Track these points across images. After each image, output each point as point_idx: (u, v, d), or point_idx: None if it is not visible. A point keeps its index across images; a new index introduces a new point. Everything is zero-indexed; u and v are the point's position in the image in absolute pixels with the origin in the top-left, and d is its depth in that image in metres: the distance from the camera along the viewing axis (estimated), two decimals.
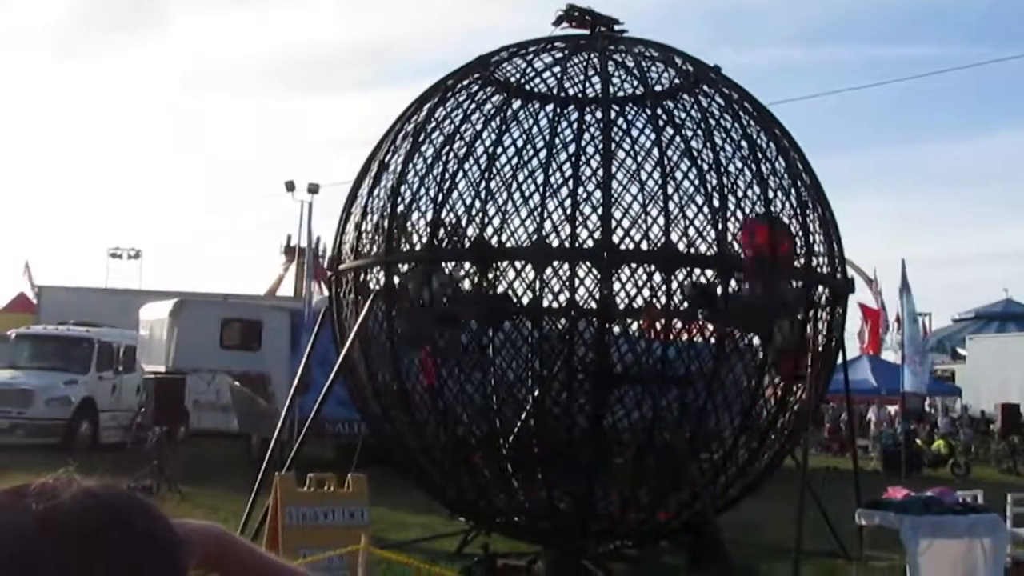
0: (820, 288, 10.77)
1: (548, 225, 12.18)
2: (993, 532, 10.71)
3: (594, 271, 11.52)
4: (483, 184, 11.62)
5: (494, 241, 11.73)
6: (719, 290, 10.49)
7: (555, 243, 12.02)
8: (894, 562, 11.07)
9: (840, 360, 11.74)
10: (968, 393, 33.25)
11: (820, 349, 10.69)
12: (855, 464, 13.34)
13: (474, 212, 11.62)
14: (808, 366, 10.40)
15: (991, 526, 10.80)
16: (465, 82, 11.27)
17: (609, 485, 10.92)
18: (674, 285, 10.80)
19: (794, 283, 10.70)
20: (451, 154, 11.27)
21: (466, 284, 12.29)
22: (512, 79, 11.50)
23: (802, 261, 10.44)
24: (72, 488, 0.96)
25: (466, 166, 11.46)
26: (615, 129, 11.53)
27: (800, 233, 10.52)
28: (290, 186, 40.45)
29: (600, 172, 11.09)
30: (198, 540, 1.06)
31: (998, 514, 11.34)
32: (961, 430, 30.35)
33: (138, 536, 0.95)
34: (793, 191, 10.64)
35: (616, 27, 11.41)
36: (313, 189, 39.17)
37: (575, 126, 11.98)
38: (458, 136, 11.28)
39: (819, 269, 10.65)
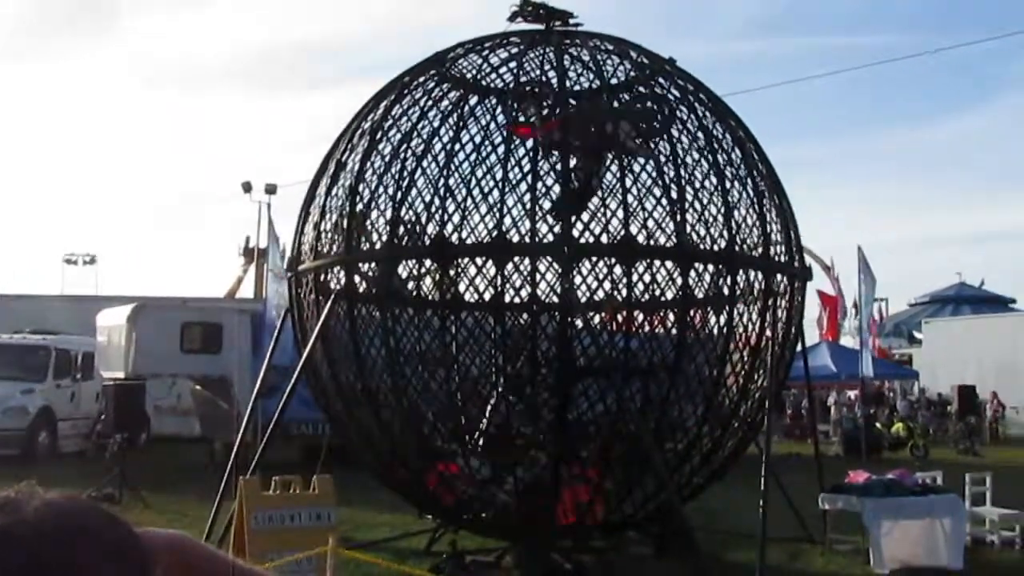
0: (779, 276, 10.88)
1: (508, 221, 12.20)
2: (953, 512, 10.92)
3: (555, 266, 11.56)
4: (442, 181, 11.60)
5: (454, 238, 11.72)
6: (679, 280, 10.58)
7: (515, 238, 12.04)
8: (857, 544, 11.24)
9: (800, 347, 11.87)
10: (925, 376, 33.76)
11: (780, 336, 10.80)
12: (816, 449, 13.51)
13: (433, 209, 11.60)
14: (769, 353, 10.51)
15: (951, 506, 11.01)
16: (421, 79, 11.24)
17: (575, 477, 10.95)
18: (635, 277, 10.86)
19: (753, 273, 10.81)
20: (409, 152, 11.24)
21: (427, 281, 12.30)
22: (468, 75, 11.49)
23: (760, 250, 10.54)
24: (34, 501, 0.95)
25: (424, 163, 11.44)
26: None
27: (757, 223, 10.62)
28: (247, 187, 40.22)
29: (559, 166, 11.12)
30: (164, 549, 1.06)
31: (957, 494, 11.55)
32: (919, 413, 30.81)
33: (104, 547, 0.94)
34: (749, 181, 10.73)
35: (571, 21, 11.45)
36: (271, 190, 39.00)
37: (532, 121, 11.98)
38: (415, 133, 11.25)
39: (777, 258, 10.76)
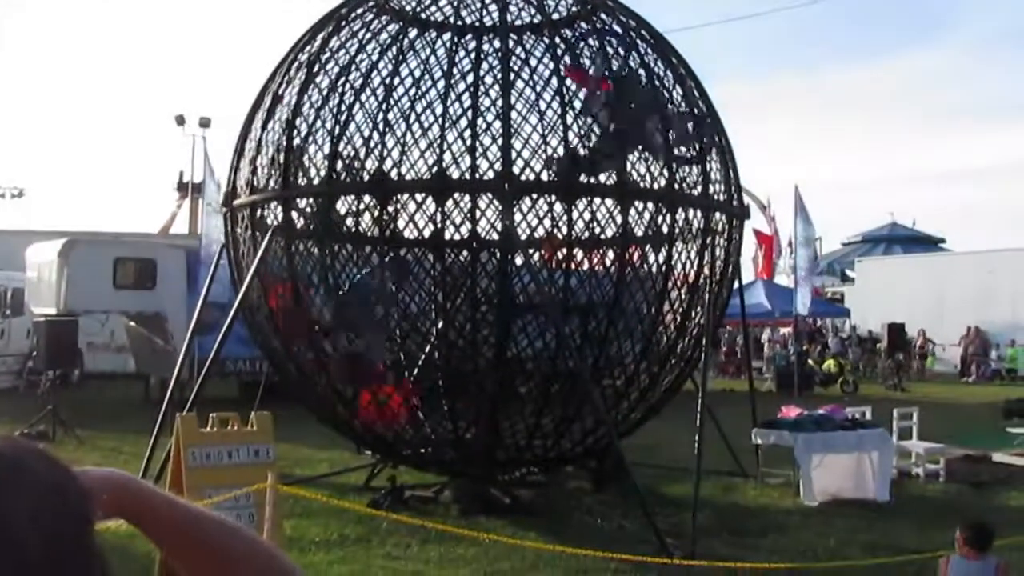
0: (717, 215, 10.96)
1: (448, 157, 12.09)
2: (880, 446, 11.24)
3: (495, 202, 11.52)
4: (381, 116, 11.45)
5: (394, 174, 11.60)
6: (619, 218, 10.61)
7: (456, 175, 11.94)
8: (788, 478, 11.53)
9: (736, 285, 12.01)
10: (856, 314, 34.46)
11: (718, 274, 10.91)
12: (751, 385, 13.76)
13: (372, 144, 11.46)
14: (707, 291, 10.63)
15: (879, 440, 11.33)
16: (360, 10, 11.01)
17: (514, 414, 11.05)
18: (575, 215, 10.87)
19: (692, 211, 10.87)
20: (347, 85, 11.06)
21: (366, 218, 12.17)
22: (408, 8, 11.28)
23: (699, 189, 10.59)
24: None
25: (363, 97, 11.27)
26: (513, 58, 11.45)
27: (697, 161, 10.65)
28: (180, 120, 39.38)
29: (499, 102, 11.02)
30: (103, 488, 1.03)
31: (885, 429, 11.88)
32: (850, 349, 31.50)
33: (43, 486, 0.91)
34: (690, 119, 10.74)
35: None
36: (205, 123, 38.25)
37: (473, 56, 11.84)
38: (354, 67, 11.05)
39: (716, 196, 10.82)
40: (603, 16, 11.03)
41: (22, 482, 0.90)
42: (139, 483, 1.15)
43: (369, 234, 12.24)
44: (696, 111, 10.82)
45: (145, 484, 1.16)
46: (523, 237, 11.55)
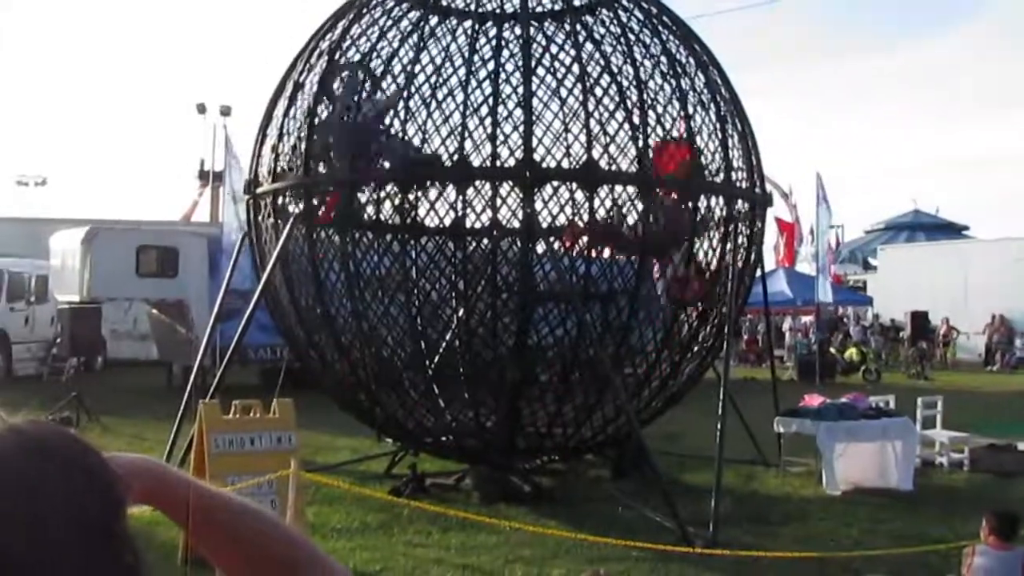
0: (740, 202, 10.90)
1: (469, 144, 12.06)
2: (904, 435, 11.16)
3: (516, 190, 11.48)
4: (401, 103, 11.43)
5: None
6: (639, 206, 10.57)
7: (476, 162, 11.92)
8: (810, 467, 11.47)
9: (759, 273, 11.95)
10: (879, 302, 34.23)
11: (740, 262, 10.86)
12: (773, 374, 13.67)
13: (393, 132, 11.44)
14: (728, 279, 10.57)
15: (903, 429, 11.25)
16: None
17: (535, 402, 11.05)
18: (596, 203, 10.83)
19: (715, 199, 10.82)
20: (367, 72, 11.03)
21: (387, 205, 12.17)
22: None
23: (722, 176, 10.53)
24: None
25: (383, 85, 11.25)
26: (534, 45, 11.40)
27: (719, 148, 10.59)
28: (201, 108, 39.47)
29: (520, 90, 10.98)
30: (131, 473, 1.02)
31: (908, 418, 11.79)
32: (872, 338, 31.30)
33: (75, 472, 0.91)
34: (712, 106, 10.68)
35: None
36: (225, 111, 38.29)
37: (494, 43, 11.80)
38: (375, 54, 11.04)
39: (738, 184, 10.76)
40: (624, 2, 10.96)
41: (52, 465, 0.89)
42: (167, 468, 1.14)
43: (390, 222, 12.24)
44: (718, 97, 10.75)
45: (173, 470, 1.16)
46: (544, 225, 11.53)
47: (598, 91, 11.16)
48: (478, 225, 12.44)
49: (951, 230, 51.92)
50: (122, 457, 1.05)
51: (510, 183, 11.52)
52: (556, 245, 11.39)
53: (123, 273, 18.60)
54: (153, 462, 1.13)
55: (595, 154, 10.58)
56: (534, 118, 11.29)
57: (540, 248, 11.24)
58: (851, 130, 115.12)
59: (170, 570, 7.17)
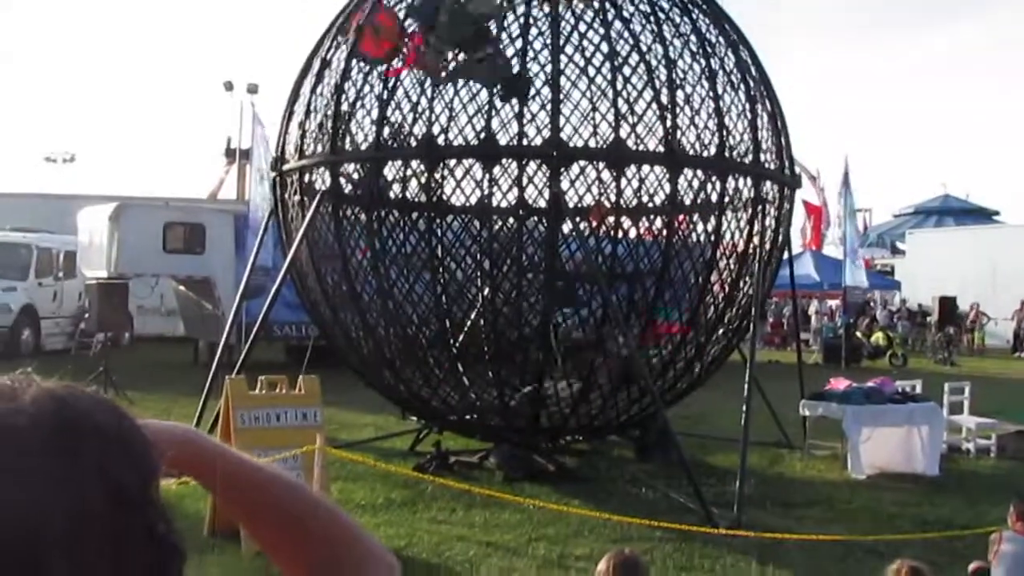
0: (768, 184, 10.81)
1: (496, 123, 12.01)
2: (931, 420, 11.08)
3: (543, 169, 11.44)
4: (428, 81, 11.39)
5: (441, 139, 11.55)
6: (668, 187, 10.50)
7: (503, 141, 11.87)
8: (835, 450, 11.42)
9: (787, 255, 11.87)
10: (907, 286, 33.97)
11: (767, 244, 10.78)
12: (799, 357, 13.58)
13: (420, 110, 11.41)
14: (755, 261, 10.50)
15: (929, 414, 11.17)
16: None
17: (559, 382, 11.03)
18: (623, 182, 10.77)
19: (743, 179, 10.73)
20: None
21: (413, 184, 12.15)
22: None
23: (750, 157, 10.44)
24: (32, 389, 0.90)
25: None
26: (563, 23, 11.31)
27: (748, 129, 10.49)
28: (228, 86, 39.54)
29: (548, 68, 10.91)
30: (167, 441, 1.01)
31: (935, 403, 11.70)
32: (899, 322, 31.08)
33: (109, 437, 0.89)
34: (742, 86, 10.58)
35: None
36: (252, 89, 38.34)
37: (522, 20, 11.72)
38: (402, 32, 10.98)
39: (767, 165, 10.67)
40: None
41: (86, 430, 0.88)
42: (202, 436, 1.13)
43: (416, 200, 12.23)
44: (748, 77, 10.65)
45: (206, 437, 1.15)
46: (571, 204, 11.49)
47: (626, 70, 11.07)
48: (504, 204, 12.40)
49: (981, 215, 51.39)
50: (156, 424, 1.05)
51: (537, 162, 11.47)
52: (582, 225, 11.35)
53: (150, 249, 18.71)
54: (187, 429, 1.12)
55: (623, 133, 10.50)
56: (562, 97, 11.21)
57: (566, 228, 11.19)
58: (883, 113, 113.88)
59: (196, 542, 7.22)
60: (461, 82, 11.92)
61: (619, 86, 10.72)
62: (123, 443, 0.90)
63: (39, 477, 0.84)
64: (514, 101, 11.36)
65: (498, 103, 11.15)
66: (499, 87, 10.38)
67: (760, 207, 10.61)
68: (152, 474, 0.92)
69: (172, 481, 1.08)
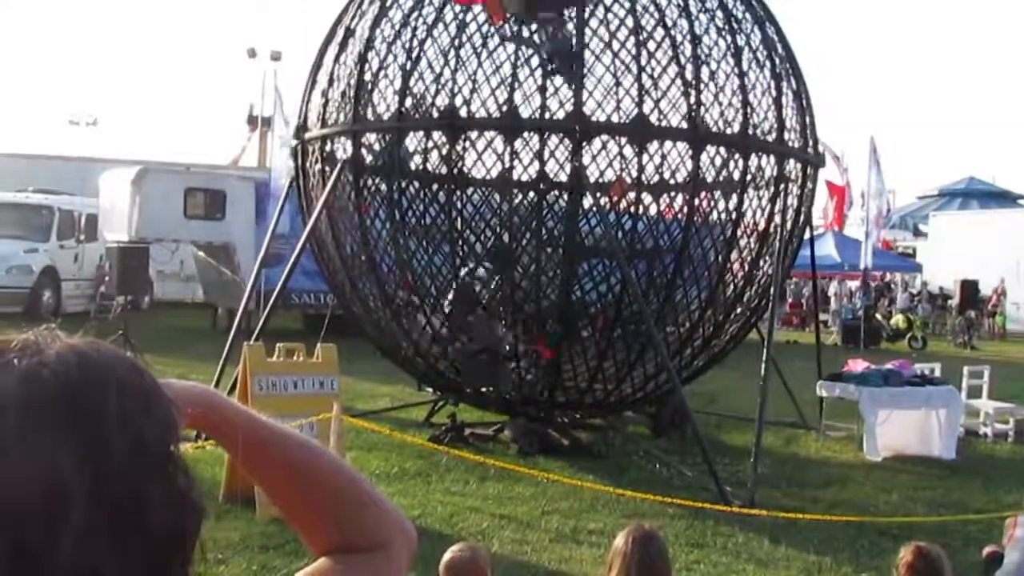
0: (791, 162, 10.73)
1: (519, 96, 11.94)
2: (949, 403, 11.02)
3: (565, 143, 11.38)
4: (452, 52, 11.33)
5: (463, 111, 11.51)
6: (690, 163, 10.43)
7: (525, 114, 11.81)
8: (852, 432, 11.39)
9: (808, 235, 11.80)
10: (928, 269, 33.72)
11: (788, 223, 10.71)
12: (818, 338, 13.55)
13: (443, 81, 11.36)
14: (776, 239, 10.43)
15: (947, 397, 11.11)
16: None
17: (576, 357, 11.03)
18: (645, 158, 10.70)
19: (766, 158, 10.65)
20: (419, 20, 10.94)
21: (435, 155, 12.12)
22: None
23: (774, 135, 10.36)
24: (56, 344, 0.91)
25: (435, 32, 11.15)
26: None
27: (773, 107, 10.40)
28: (252, 53, 39.51)
29: (572, 41, 10.81)
30: (187, 400, 1.02)
31: (954, 386, 11.64)
32: (920, 305, 30.89)
33: (131, 392, 0.90)
34: (768, 64, 10.48)
35: None
36: (276, 56, 38.33)
37: None
38: (427, 1, 10.93)
39: (791, 143, 10.58)
40: None
41: (109, 385, 0.89)
42: (221, 397, 1.15)
43: (436, 172, 12.20)
44: (774, 55, 10.55)
45: (225, 398, 1.16)
46: (592, 179, 11.43)
47: (651, 45, 10.97)
48: (525, 178, 12.35)
49: (1006, 199, 50.87)
50: (176, 383, 1.06)
51: (559, 136, 11.41)
52: (603, 200, 11.29)
53: (171, 214, 18.79)
54: (206, 389, 1.13)
55: (646, 109, 10.43)
56: (585, 71, 11.13)
57: (587, 203, 11.15)
58: (909, 95, 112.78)
59: (212, 506, 7.28)
60: (484, 54, 11.86)
61: (643, 61, 10.63)
62: (145, 397, 0.91)
63: (63, 429, 0.85)
64: (537, 73, 11.30)
65: (520, 76, 11.08)
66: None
67: (783, 186, 10.54)
68: (173, 429, 0.93)
69: (188, 445, 1.08)
